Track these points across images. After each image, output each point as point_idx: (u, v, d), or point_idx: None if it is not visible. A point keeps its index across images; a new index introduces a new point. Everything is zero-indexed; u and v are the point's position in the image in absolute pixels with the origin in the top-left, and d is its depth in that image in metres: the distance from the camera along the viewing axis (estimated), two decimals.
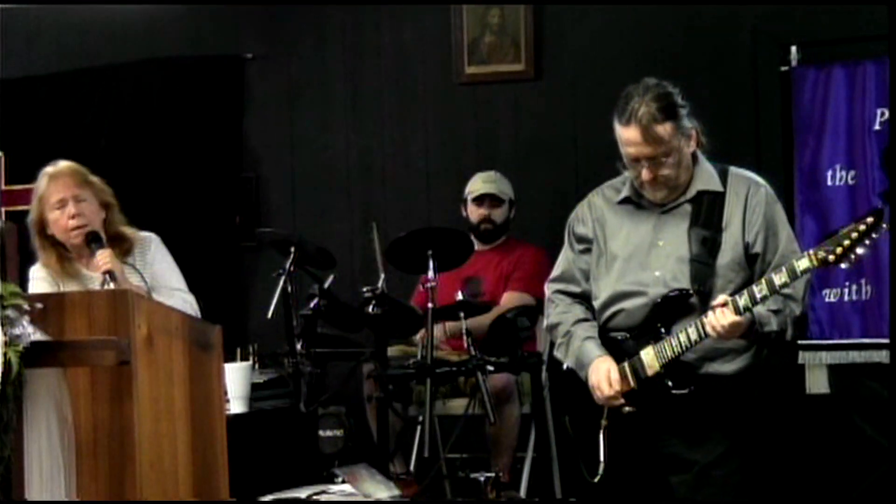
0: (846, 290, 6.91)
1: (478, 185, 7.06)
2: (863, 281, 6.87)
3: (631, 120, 4.45)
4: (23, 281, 5.39)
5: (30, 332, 3.83)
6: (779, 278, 4.27)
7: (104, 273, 5.14)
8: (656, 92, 4.47)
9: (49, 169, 5.42)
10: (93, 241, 5.25)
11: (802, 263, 4.26)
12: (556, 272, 4.80)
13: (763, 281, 4.31)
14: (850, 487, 6.97)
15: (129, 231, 5.44)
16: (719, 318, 4.32)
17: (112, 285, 5.06)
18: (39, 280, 5.36)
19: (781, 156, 6.99)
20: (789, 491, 6.89)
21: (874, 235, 4.26)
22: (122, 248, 5.32)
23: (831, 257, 4.24)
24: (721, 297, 4.36)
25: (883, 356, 6.86)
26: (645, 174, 4.49)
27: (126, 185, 6.02)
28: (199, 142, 7.92)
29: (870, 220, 4.27)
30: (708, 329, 4.34)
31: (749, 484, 4.54)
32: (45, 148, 8.05)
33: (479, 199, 7.03)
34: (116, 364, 3.89)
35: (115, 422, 3.98)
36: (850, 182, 6.92)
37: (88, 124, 8.04)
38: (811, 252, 4.29)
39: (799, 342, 6.89)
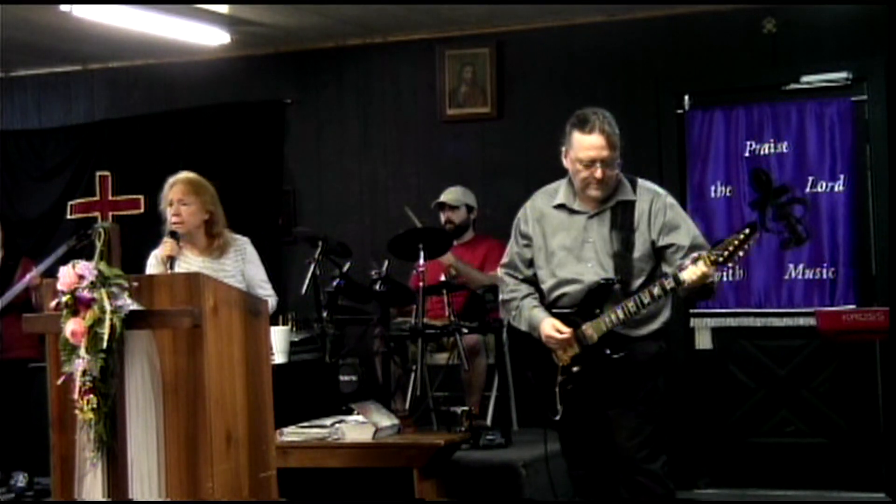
0: (724, 273, 6.91)
1: (440, 196, 7.02)
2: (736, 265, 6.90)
3: (594, 129, 4.35)
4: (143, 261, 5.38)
5: (129, 303, 3.84)
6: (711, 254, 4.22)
7: (169, 257, 5.13)
8: (604, 113, 4.43)
9: (170, 178, 5.35)
10: (171, 235, 5.23)
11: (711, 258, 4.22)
12: (505, 259, 4.67)
13: (706, 253, 4.22)
14: (725, 416, 7.01)
15: (226, 231, 5.35)
16: (695, 270, 4.20)
17: (171, 269, 5.05)
18: (152, 258, 5.34)
19: (678, 175, 6.98)
20: (683, 418, 6.92)
21: (751, 242, 4.23)
22: (218, 242, 5.25)
23: (721, 259, 4.21)
24: (694, 254, 4.25)
25: (751, 321, 6.91)
26: (598, 173, 4.35)
27: None
28: (251, 165, 7.88)
29: (746, 231, 4.24)
30: (685, 276, 4.21)
31: (655, 413, 4.47)
32: (141, 169, 8.08)
33: (439, 206, 7.00)
34: (191, 327, 3.90)
35: (191, 369, 3.97)
36: (728, 195, 6.93)
37: (171, 152, 7.97)
38: (705, 254, 4.22)
39: (689, 311, 6.93)
